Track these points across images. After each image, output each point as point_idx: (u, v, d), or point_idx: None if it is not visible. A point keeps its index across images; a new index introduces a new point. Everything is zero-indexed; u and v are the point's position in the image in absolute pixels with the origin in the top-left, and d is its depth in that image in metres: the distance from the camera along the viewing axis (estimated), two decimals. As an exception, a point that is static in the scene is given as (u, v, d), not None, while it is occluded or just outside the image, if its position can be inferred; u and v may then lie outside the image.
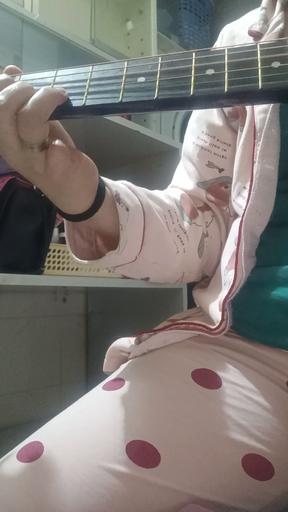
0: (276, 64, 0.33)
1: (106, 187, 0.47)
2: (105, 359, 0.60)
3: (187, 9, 2.00)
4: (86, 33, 1.50)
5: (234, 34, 0.60)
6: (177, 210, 0.57)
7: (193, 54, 0.37)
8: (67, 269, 1.09)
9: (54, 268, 1.06)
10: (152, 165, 1.39)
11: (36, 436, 0.44)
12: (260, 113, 0.49)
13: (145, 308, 1.34)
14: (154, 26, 1.67)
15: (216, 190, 0.60)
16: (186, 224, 0.57)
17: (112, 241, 0.50)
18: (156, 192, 0.57)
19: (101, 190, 0.45)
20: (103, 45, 1.50)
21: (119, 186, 0.49)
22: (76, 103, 0.38)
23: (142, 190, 0.53)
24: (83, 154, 0.43)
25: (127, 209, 0.47)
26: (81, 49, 1.38)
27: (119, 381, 0.49)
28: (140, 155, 1.39)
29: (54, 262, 1.06)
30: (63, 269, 1.08)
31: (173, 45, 1.90)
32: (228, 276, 0.51)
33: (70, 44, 1.35)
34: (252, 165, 0.49)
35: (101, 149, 1.34)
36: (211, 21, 2.12)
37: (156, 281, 0.59)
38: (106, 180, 0.48)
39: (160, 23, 1.74)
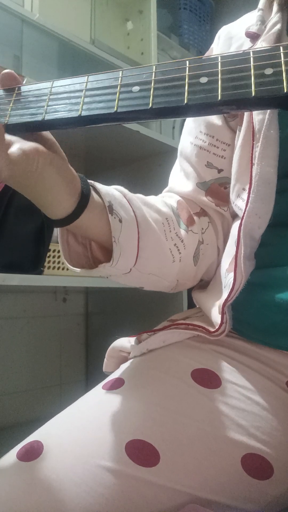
0: (268, 71, 0.34)
1: (96, 195, 0.46)
2: (105, 359, 0.60)
3: (187, 9, 1.99)
4: (86, 33, 1.49)
5: (231, 35, 0.59)
6: (174, 218, 0.55)
7: (187, 62, 0.37)
8: (67, 269, 1.07)
9: (54, 268, 1.06)
10: (152, 165, 1.39)
11: (35, 436, 0.44)
12: (258, 114, 0.49)
13: (145, 308, 1.34)
14: (154, 26, 1.67)
15: (217, 190, 0.59)
16: (183, 232, 0.55)
17: (106, 250, 0.49)
18: (153, 199, 0.55)
19: (85, 195, 0.44)
20: (103, 45, 1.50)
21: (113, 195, 0.48)
22: (72, 113, 0.39)
23: (137, 199, 0.51)
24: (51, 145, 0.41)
25: (120, 221, 0.46)
26: (81, 49, 1.38)
27: (119, 381, 0.49)
28: (140, 155, 1.39)
29: (54, 262, 1.06)
30: (63, 269, 1.08)
31: (173, 45, 1.90)
32: (228, 279, 0.51)
33: (70, 44, 1.34)
34: (251, 167, 0.48)
35: (101, 149, 1.34)
36: (211, 21, 2.11)
37: (151, 289, 0.57)
38: (100, 187, 0.47)
39: (160, 23, 1.73)
